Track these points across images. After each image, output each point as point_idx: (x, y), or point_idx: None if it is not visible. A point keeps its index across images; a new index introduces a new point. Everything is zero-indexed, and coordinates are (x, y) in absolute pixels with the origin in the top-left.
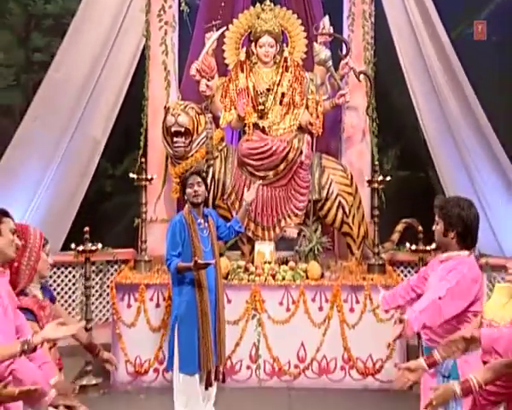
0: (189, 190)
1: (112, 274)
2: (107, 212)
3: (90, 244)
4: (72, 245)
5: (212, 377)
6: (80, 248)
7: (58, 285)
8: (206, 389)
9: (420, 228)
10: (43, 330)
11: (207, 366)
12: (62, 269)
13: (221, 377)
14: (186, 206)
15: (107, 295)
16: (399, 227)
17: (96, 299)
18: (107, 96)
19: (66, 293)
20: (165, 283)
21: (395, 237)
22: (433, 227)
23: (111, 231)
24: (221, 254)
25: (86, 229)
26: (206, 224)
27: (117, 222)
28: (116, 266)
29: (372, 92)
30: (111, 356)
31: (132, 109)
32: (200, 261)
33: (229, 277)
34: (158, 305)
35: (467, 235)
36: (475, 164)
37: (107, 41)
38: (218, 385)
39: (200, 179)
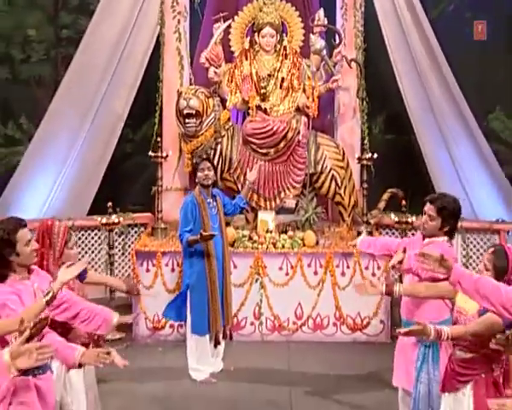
0: (199, 174)
1: (132, 236)
2: (128, 170)
3: (113, 217)
4: (98, 218)
5: (220, 337)
6: (104, 220)
7: (86, 245)
8: (215, 347)
9: (403, 202)
10: (58, 277)
11: (216, 327)
12: (89, 232)
13: (228, 334)
14: (197, 187)
15: (129, 253)
16: (385, 196)
17: (119, 257)
18: (128, 76)
19: (92, 252)
20: (178, 250)
21: (381, 205)
22: (424, 219)
23: (132, 187)
24: (228, 224)
25: (110, 204)
26: (215, 203)
27: (136, 180)
28: (136, 229)
29: (362, 76)
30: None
31: (149, 88)
32: (204, 233)
33: (235, 244)
34: (173, 270)
35: (456, 228)
36: (451, 133)
37: (126, 28)
38: (226, 341)
39: (209, 165)
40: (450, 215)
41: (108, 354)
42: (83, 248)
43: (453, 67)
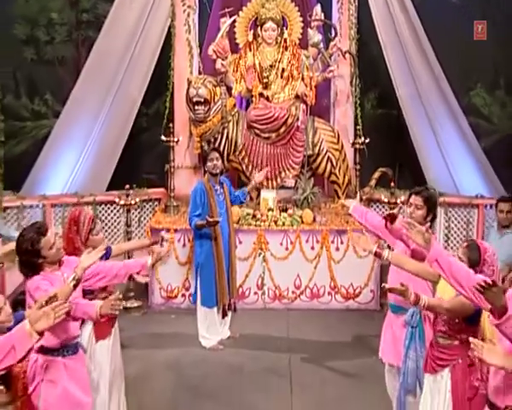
0: (209, 164)
1: (147, 209)
2: (143, 142)
3: (130, 198)
4: (117, 199)
5: (227, 309)
6: (122, 202)
7: (106, 218)
8: (223, 318)
9: (392, 183)
10: (80, 263)
11: (223, 301)
12: (108, 205)
13: (233, 306)
14: (206, 176)
15: (144, 225)
16: (376, 175)
17: (136, 228)
18: (142, 63)
19: (112, 224)
20: (189, 228)
21: (372, 183)
22: (412, 209)
23: (146, 157)
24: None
25: (127, 186)
26: (222, 190)
27: (152, 149)
28: (151, 203)
29: (355, 66)
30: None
31: (161, 67)
32: (210, 219)
33: (240, 222)
34: (184, 245)
35: (435, 217)
36: (434, 112)
37: (140, 19)
38: (231, 312)
39: (218, 155)
40: (434, 205)
41: (121, 300)
42: (103, 221)
43: (437, 48)
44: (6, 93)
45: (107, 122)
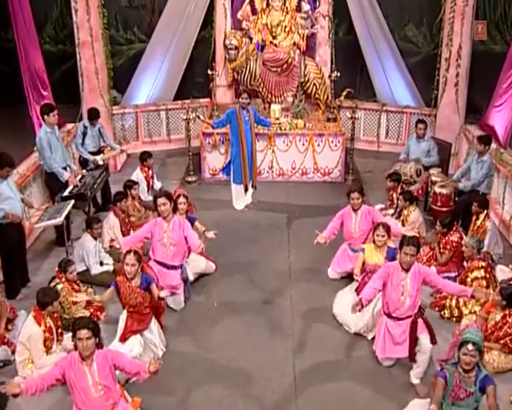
0: (240, 100)
1: (199, 111)
2: (195, 62)
3: (190, 114)
4: (182, 115)
5: (249, 186)
6: (184, 117)
7: (173, 120)
8: (246, 191)
9: (354, 103)
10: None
11: (245, 181)
12: (176, 111)
13: (254, 185)
14: (237, 105)
15: (196, 123)
16: (344, 92)
17: (192, 124)
18: (195, 18)
19: (178, 122)
20: (227, 132)
21: (342, 98)
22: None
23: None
24: None
25: (188, 101)
26: (248, 114)
27: (201, 72)
28: (200, 109)
29: (332, 25)
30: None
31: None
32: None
33: (258, 128)
34: (223, 142)
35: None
36: (378, 40)
37: None
38: (253, 190)
39: (247, 95)
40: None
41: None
42: (171, 121)
43: None
44: (110, 28)
45: (175, 52)
